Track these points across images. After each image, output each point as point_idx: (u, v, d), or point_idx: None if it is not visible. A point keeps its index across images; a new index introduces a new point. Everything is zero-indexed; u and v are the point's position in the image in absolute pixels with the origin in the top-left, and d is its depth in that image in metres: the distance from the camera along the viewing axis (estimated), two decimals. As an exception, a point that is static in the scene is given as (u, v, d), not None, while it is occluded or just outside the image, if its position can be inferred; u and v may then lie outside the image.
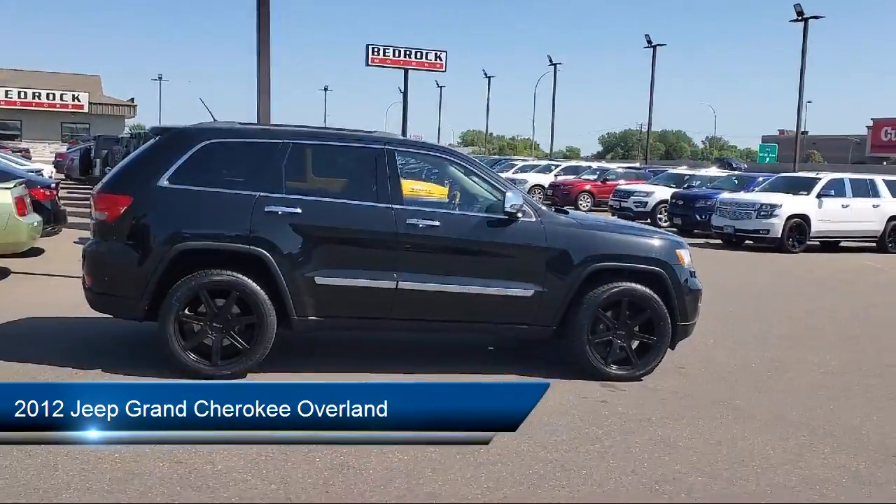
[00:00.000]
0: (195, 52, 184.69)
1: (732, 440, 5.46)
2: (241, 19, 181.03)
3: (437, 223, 6.52)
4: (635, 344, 6.84)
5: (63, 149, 36.29)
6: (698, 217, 21.32)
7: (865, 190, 20.03)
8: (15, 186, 9.93)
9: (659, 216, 24.10)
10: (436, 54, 44.21)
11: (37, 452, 4.52)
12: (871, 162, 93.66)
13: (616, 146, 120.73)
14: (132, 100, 47.39)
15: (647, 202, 25.13)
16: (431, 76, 60.32)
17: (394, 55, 42.76)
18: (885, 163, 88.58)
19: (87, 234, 14.71)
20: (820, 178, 19.85)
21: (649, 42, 44.17)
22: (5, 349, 6.73)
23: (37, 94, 44.07)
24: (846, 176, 20.47)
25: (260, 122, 10.26)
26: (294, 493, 4.29)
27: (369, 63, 42.21)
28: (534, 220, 6.68)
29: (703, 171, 30.84)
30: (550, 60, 57.00)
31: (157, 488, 4.27)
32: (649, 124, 47.20)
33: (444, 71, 46.03)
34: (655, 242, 7.03)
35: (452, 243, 6.59)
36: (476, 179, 6.87)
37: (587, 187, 29.89)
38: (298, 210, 6.32)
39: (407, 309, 6.55)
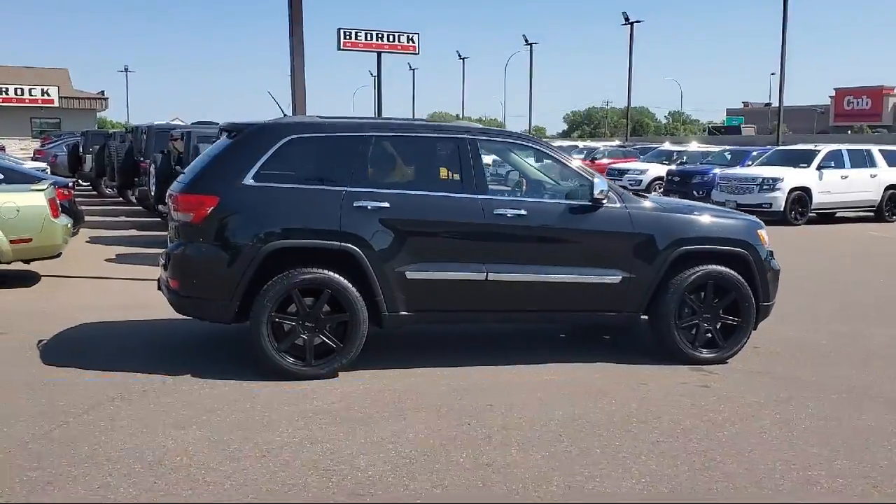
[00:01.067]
0: (162, 42, 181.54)
1: (849, 419, 5.45)
2: (209, 8, 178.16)
3: (523, 212, 6.42)
4: (717, 326, 6.81)
5: (36, 145, 35.45)
6: (696, 193, 21.40)
7: (863, 160, 20.27)
8: (48, 188, 9.62)
9: (654, 193, 24.19)
10: (408, 37, 43.94)
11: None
12: (834, 131, 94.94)
13: (581, 124, 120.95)
14: (102, 93, 46.36)
15: (641, 180, 25.27)
16: (404, 58, 59.89)
17: (366, 39, 42.31)
18: (849, 132, 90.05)
19: (98, 233, 14.45)
20: (819, 150, 20.04)
21: (627, 19, 44.19)
22: (81, 358, 6.52)
23: (4, 90, 42.87)
24: (844, 147, 20.68)
25: (297, 109, 10.07)
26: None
27: (341, 47, 41.72)
28: (618, 205, 6.61)
29: (688, 147, 31.05)
30: (526, 40, 56.84)
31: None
32: (629, 102, 47.27)
33: (417, 53, 45.76)
34: (738, 224, 7.00)
35: (540, 232, 6.49)
36: (559, 166, 6.79)
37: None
38: (387, 204, 6.18)
39: (496, 300, 6.46)
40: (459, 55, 71.73)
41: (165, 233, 6.74)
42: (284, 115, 7.08)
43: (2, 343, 7.04)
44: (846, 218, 20.65)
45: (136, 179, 16.18)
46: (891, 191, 20.37)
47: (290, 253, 6.06)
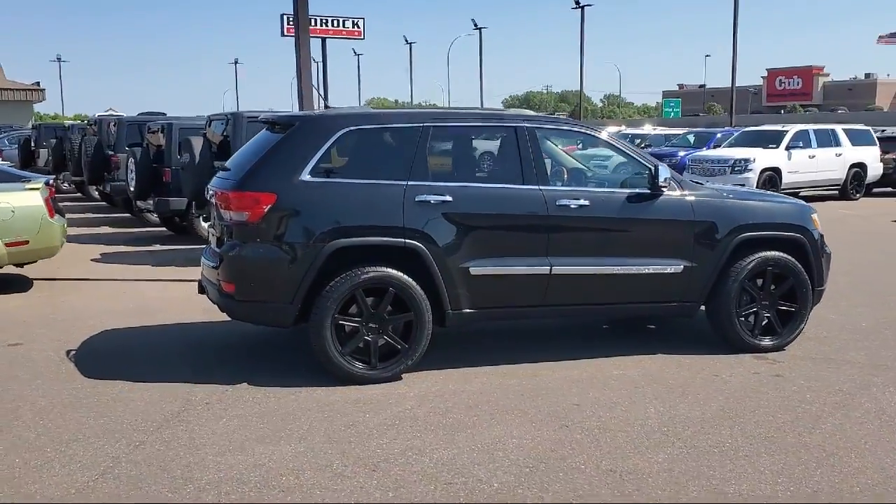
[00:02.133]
0: (93, 32, 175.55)
1: (936, 405, 5.41)
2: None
3: (586, 202, 6.21)
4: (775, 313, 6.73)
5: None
6: (665, 176, 21.47)
7: (828, 140, 20.64)
8: (42, 186, 9.05)
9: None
10: (353, 22, 43.36)
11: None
12: (767, 111, 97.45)
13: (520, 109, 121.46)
14: (38, 84, 44.50)
15: (606, 165, 25.25)
16: (349, 44, 59.08)
17: (311, 24, 41.44)
18: (781, 111, 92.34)
19: (69, 231, 13.78)
20: (787, 131, 20.32)
21: (577, 3, 44.21)
22: (122, 368, 6.10)
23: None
24: (810, 127, 21.03)
25: (302, 106, 9.66)
26: None
27: (285, 33, 40.78)
28: (677, 193, 6.46)
29: (643, 130, 31.28)
30: (475, 24, 56.57)
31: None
32: (581, 86, 47.39)
33: (363, 38, 45.19)
34: (793, 208, 6.93)
35: (603, 223, 6.30)
36: (616, 153, 6.60)
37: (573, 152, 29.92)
38: (449, 198, 5.91)
39: (560, 294, 6.25)
40: (406, 40, 71.02)
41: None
42: (327, 107, 6.72)
43: (25, 353, 6.57)
44: (811, 197, 20.98)
45: (106, 174, 15.48)
46: (855, 169, 20.79)
47: (351, 251, 5.75)
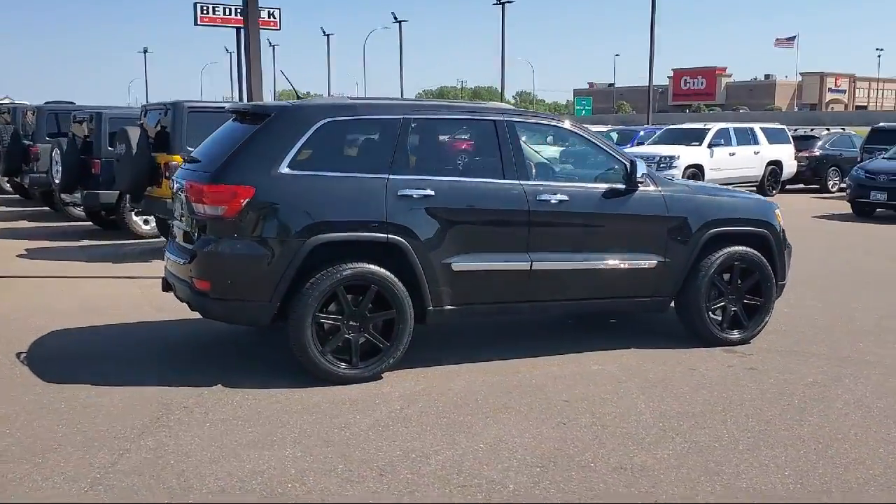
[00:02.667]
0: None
1: (907, 395, 5.58)
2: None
3: (566, 198, 6.18)
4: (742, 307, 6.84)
5: None
6: (592, 171, 21.79)
7: (747, 138, 21.29)
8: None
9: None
10: (269, 12, 42.26)
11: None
12: (673, 110, 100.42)
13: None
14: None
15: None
16: (264, 34, 57.83)
17: (224, 13, 40.34)
18: (687, 110, 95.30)
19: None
20: (709, 129, 20.86)
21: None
22: (84, 372, 5.76)
23: None
24: (731, 125, 21.65)
25: (252, 98, 9.33)
26: None
27: (198, 22, 39.65)
28: (651, 188, 6.49)
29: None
30: (395, 17, 56.22)
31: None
32: (503, 83, 47.68)
33: (279, 29, 44.31)
34: (758, 204, 7.06)
35: (582, 218, 6.28)
36: (593, 149, 6.58)
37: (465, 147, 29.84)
38: (431, 192, 5.78)
39: (540, 290, 6.21)
40: (324, 32, 70.04)
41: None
42: (297, 94, 6.50)
43: (-30, 359, 6.13)
44: (731, 193, 21.65)
45: (24, 166, 14.69)
46: (771, 166, 21.50)
47: (331, 247, 5.56)
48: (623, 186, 6.39)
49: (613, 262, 6.35)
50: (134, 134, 10.53)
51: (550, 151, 6.90)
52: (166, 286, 6.19)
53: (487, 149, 6.18)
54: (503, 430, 4.79)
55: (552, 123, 6.64)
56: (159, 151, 10.58)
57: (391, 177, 5.72)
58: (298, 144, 5.60)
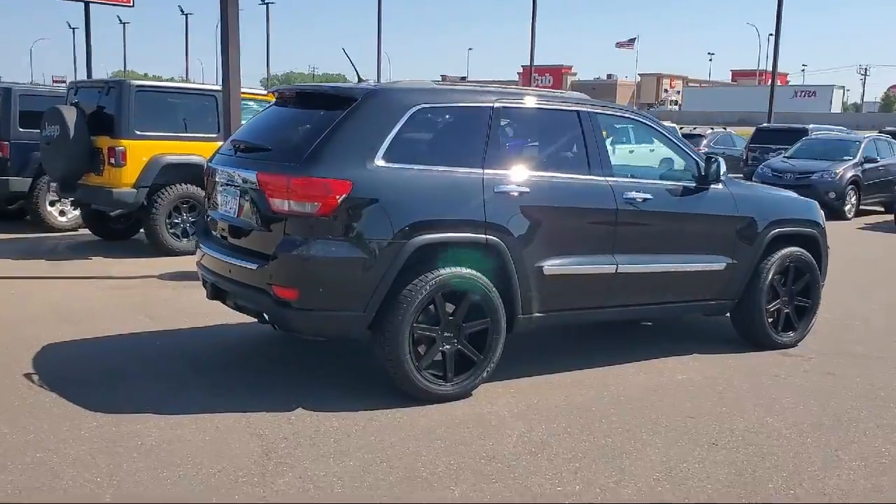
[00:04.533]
0: None
1: None
2: None
3: (650, 196, 5.80)
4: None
5: None
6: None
7: (648, 137, 21.71)
8: None
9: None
10: (122, -13, 39.87)
11: None
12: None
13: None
14: None
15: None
16: (114, 11, 54.30)
17: (73, -13, 37.62)
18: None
19: None
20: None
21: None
22: (121, 396, 4.85)
23: None
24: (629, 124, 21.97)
25: (228, 75, 8.32)
26: None
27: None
28: (720, 187, 6.23)
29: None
30: (262, -1, 53.97)
31: None
32: (378, 69, 46.35)
33: (132, 6, 41.68)
34: (808, 203, 6.94)
35: (663, 218, 5.92)
36: (669, 145, 6.23)
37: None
38: (527, 189, 5.25)
39: (621, 295, 5.81)
40: (182, 10, 66.43)
41: None
42: (360, 78, 5.75)
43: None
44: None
45: None
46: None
47: (428, 250, 4.92)
48: (695, 185, 6.09)
49: (690, 264, 6.05)
50: (70, 115, 9.27)
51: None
52: (216, 293, 5.32)
53: (574, 142, 5.70)
54: (661, 454, 4.35)
55: (628, 116, 6.22)
56: (99, 134, 9.38)
57: (486, 171, 5.14)
58: (393, 133, 4.91)
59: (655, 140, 6.29)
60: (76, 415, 4.56)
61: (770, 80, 31.44)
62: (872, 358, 6.41)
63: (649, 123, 6.22)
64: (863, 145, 18.02)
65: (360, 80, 5.73)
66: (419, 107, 5.05)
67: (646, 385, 5.52)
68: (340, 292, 4.76)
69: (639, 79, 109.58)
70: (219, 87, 10.10)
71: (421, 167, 4.98)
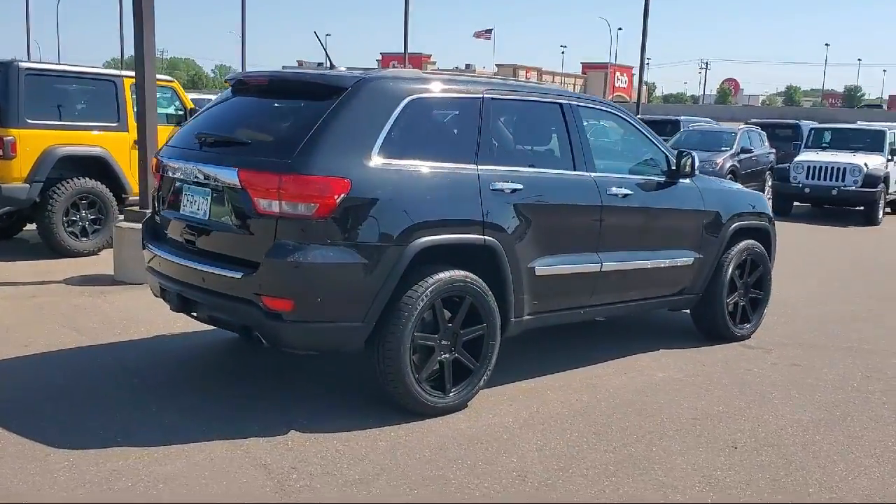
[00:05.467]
0: None
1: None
2: None
3: (629, 191, 5.65)
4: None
5: None
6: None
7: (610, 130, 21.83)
8: None
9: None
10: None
11: None
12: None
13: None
14: None
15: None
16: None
17: None
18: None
19: None
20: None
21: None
22: (79, 424, 4.22)
23: None
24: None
25: (143, 58, 7.53)
26: None
27: None
28: (688, 181, 6.16)
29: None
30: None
31: None
32: (244, 55, 44.36)
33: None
34: (758, 196, 7.00)
35: (642, 214, 5.79)
36: (638, 137, 6.08)
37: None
38: (520, 186, 4.96)
39: (604, 293, 5.64)
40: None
41: None
42: (332, 66, 5.27)
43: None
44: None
45: None
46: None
47: (427, 252, 4.55)
48: (666, 179, 5.99)
49: (665, 259, 5.96)
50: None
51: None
52: (182, 305, 4.74)
53: (558, 136, 5.46)
54: (688, 462, 4.19)
55: (604, 109, 6.00)
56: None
57: (480, 167, 4.83)
58: (387, 127, 4.50)
59: (624, 133, 6.13)
60: (38, 453, 3.92)
61: (613, 74, 32.33)
62: (825, 347, 6.53)
63: (623, 116, 6.05)
64: (738, 136, 18.84)
65: (331, 66, 5.27)
66: (412, 97, 4.65)
67: (632, 386, 5.37)
68: (339, 302, 4.32)
69: (496, 69, 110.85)
70: (120, 72, 9.31)
71: (417, 163, 4.59)
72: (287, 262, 4.19)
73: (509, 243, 4.87)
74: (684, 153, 6.03)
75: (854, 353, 6.39)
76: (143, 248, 5.20)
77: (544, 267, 5.12)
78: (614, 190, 5.54)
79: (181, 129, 5.30)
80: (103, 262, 8.36)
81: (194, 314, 4.77)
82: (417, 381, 4.53)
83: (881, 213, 15.44)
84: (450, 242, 4.60)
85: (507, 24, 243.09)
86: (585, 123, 5.63)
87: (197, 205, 4.66)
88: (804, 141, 18.42)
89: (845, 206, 15.88)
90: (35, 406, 4.52)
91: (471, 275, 4.69)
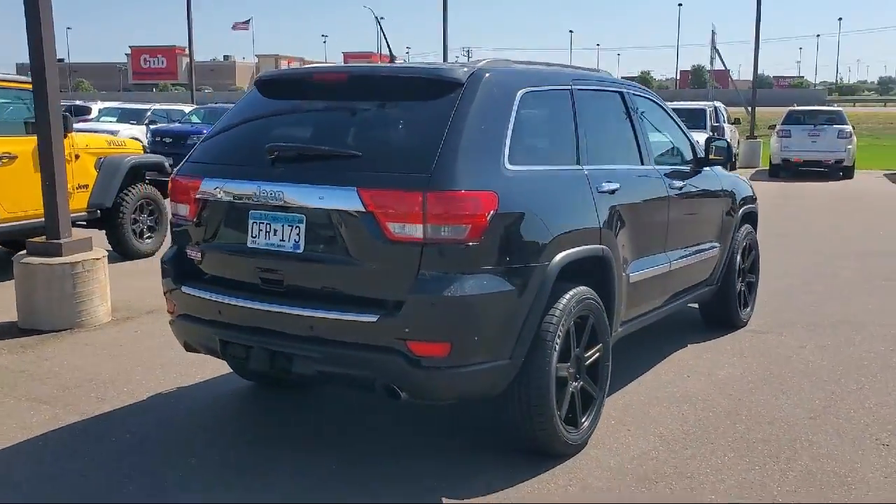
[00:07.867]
0: None
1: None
2: None
3: (682, 183, 5.34)
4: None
5: None
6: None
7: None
8: None
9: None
10: None
11: None
12: (136, 89, 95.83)
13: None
14: None
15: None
16: None
17: None
18: (154, 89, 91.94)
19: None
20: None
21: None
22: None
23: None
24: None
25: (43, 58, 6.07)
26: None
27: None
28: (708, 168, 5.95)
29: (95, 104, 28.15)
30: None
31: None
32: (191, 52, 39.10)
33: None
34: (744, 179, 6.94)
35: (691, 206, 5.52)
36: (673, 125, 5.74)
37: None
38: (618, 185, 4.48)
39: (668, 293, 5.33)
40: None
41: None
42: (393, 57, 4.44)
43: None
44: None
45: None
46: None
47: (566, 269, 3.94)
48: (693, 168, 5.72)
49: (706, 250, 5.80)
50: None
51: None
52: (271, 361, 3.76)
53: (627, 127, 5.00)
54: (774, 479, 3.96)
55: (646, 96, 5.54)
56: None
57: (585, 167, 4.30)
58: (511, 127, 3.83)
59: (660, 120, 5.76)
60: None
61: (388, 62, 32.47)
62: (813, 327, 6.51)
63: (658, 102, 5.69)
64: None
65: (392, 58, 4.46)
66: (525, 91, 4.02)
67: (676, 396, 4.94)
68: (494, 339, 3.62)
69: (257, 60, 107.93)
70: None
71: (538, 167, 4.00)
72: (442, 297, 3.43)
73: (616, 250, 4.38)
74: (714, 139, 5.79)
75: (853, 326, 6.51)
76: (170, 291, 4.16)
77: (636, 272, 4.71)
78: (677, 182, 5.22)
79: (204, 142, 4.29)
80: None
81: (289, 371, 3.80)
82: (560, 418, 3.93)
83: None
84: (581, 256, 4.03)
85: (267, 15, 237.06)
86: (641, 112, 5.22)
87: (281, 234, 3.74)
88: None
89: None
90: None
91: (591, 290, 4.15)
